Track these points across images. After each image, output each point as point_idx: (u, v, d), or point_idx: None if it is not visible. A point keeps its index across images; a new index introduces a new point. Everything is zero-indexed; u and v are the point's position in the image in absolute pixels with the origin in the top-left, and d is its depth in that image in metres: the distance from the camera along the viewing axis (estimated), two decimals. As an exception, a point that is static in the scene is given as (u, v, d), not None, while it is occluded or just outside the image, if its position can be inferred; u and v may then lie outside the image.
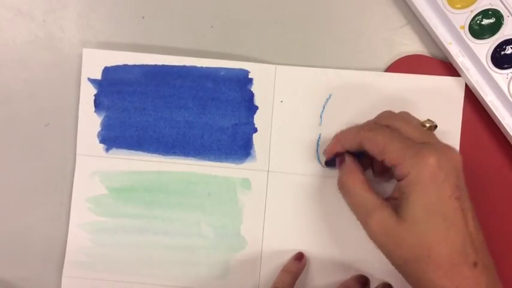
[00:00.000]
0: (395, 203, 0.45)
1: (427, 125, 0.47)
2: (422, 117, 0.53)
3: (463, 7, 0.52)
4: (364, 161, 0.50)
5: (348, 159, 0.49)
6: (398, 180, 0.44)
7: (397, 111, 0.51)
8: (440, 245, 0.42)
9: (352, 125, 0.50)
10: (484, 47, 0.52)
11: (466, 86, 0.54)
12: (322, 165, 0.55)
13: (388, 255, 0.45)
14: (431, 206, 0.42)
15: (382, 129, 0.46)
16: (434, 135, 0.47)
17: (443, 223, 0.42)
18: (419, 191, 0.42)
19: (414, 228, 0.42)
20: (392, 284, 0.53)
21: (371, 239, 0.45)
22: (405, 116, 0.48)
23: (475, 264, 0.41)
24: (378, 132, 0.46)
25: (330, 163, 0.54)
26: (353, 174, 0.48)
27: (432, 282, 0.42)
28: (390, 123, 0.46)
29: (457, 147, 0.54)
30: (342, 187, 0.48)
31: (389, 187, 0.53)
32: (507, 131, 0.52)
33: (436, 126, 0.48)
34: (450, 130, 0.54)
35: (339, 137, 0.50)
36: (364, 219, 0.46)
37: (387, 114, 0.49)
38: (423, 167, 0.42)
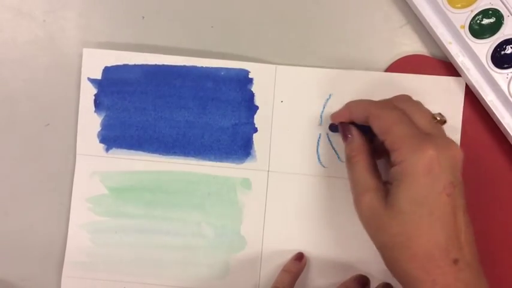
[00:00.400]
0: (388, 188, 0.45)
1: (438, 118, 0.47)
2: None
3: (463, 7, 0.52)
4: (369, 137, 0.50)
5: (356, 134, 0.49)
6: (393, 166, 0.44)
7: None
8: (421, 238, 0.42)
9: (365, 99, 0.50)
10: (484, 47, 0.51)
11: (466, 85, 0.54)
12: (327, 131, 0.55)
13: (372, 238, 0.45)
14: (420, 199, 0.42)
15: (393, 110, 0.46)
16: (442, 129, 0.47)
17: (428, 217, 0.42)
18: (410, 181, 0.42)
19: (398, 217, 0.43)
20: (393, 284, 0.53)
21: (359, 217, 0.46)
22: (419, 104, 0.48)
23: (456, 261, 0.41)
24: (388, 112, 0.46)
25: (334, 128, 0.55)
26: (359, 151, 0.48)
27: (407, 272, 0.42)
28: (404, 106, 0.46)
29: (458, 139, 0.54)
30: (347, 161, 0.49)
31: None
32: (507, 130, 0.52)
33: (445, 121, 0.48)
34: (451, 130, 0.53)
35: (350, 105, 0.51)
36: (356, 198, 0.47)
37: (404, 98, 0.48)
38: (420, 157, 0.42)
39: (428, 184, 0.42)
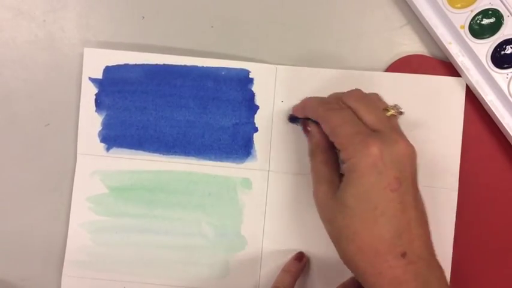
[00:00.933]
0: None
1: (391, 111, 0.47)
2: (421, 117, 0.53)
3: (463, 7, 0.52)
4: None
5: (314, 129, 0.51)
6: (343, 163, 0.45)
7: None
8: (365, 232, 0.43)
9: (318, 96, 0.52)
10: (484, 47, 0.52)
11: (466, 86, 0.54)
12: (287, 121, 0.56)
13: (325, 228, 0.47)
14: (363, 194, 0.43)
15: (339, 110, 0.47)
16: (394, 122, 0.47)
17: (372, 212, 0.43)
18: (355, 178, 0.43)
19: (344, 211, 0.44)
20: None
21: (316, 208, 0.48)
22: (371, 98, 0.48)
23: (404, 255, 0.42)
24: (334, 113, 0.47)
25: (292, 120, 0.55)
26: (317, 145, 0.50)
27: (355, 264, 0.44)
28: (352, 104, 0.47)
29: (459, 146, 0.54)
30: (309, 155, 0.52)
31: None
32: (507, 130, 0.52)
33: (401, 113, 0.48)
34: (451, 130, 0.54)
35: (304, 103, 0.52)
36: (313, 190, 0.49)
37: (354, 93, 0.49)
38: (364, 155, 0.43)
39: (372, 180, 0.43)
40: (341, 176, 0.47)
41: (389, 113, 0.47)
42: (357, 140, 0.43)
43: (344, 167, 0.45)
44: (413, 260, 0.42)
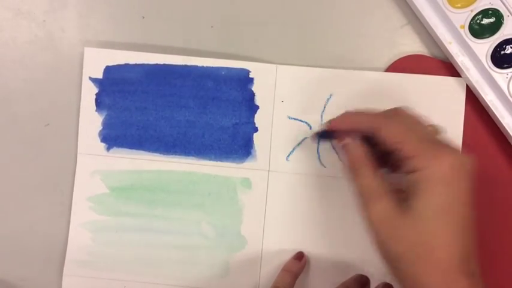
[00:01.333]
0: (401, 196, 0.42)
1: (434, 128, 0.46)
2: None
3: (463, 6, 0.52)
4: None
5: (353, 143, 0.47)
6: (409, 173, 0.42)
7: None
8: (444, 248, 0.40)
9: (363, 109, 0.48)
10: (484, 47, 0.52)
11: (467, 85, 0.54)
12: (312, 139, 0.55)
13: (383, 248, 0.43)
14: (444, 206, 0.40)
15: (400, 119, 0.45)
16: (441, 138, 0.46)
17: (452, 226, 0.40)
18: (434, 188, 0.41)
19: (420, 225, 0.40)
20: (393, 283, 0.53)
21: (368, 227, 0.44)
22: (416, 116, 0.46)
23: (474, 274, 0.40)
24: (397, 120, 0.45)
25: (324, 136, 0.52)
26: (365, 158, 0.46)
27: (424, 285, 0.40)
28: (405, 116, 0.45)
29: (459, 146, 0.54)
30: (352, 168, 0.46)
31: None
32: (507, 130, 0.52)
33: (440, 132, 0.47)
34: (452, 130, 0.54)
35: (351, 115, 0.48)
36: (366, 206, 0.44)
37: (401, 110, 0.47)
38: (441, 164, 0.41)
39: (453, 192, 0.40)
40: (398, 191, 0.44)
41: (434, 129, 0.46)
42: (430, 148, 0.42)
43: (413, 177, 0.42)
44: (478, 281, 0.40)
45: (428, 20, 0.53)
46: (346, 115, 0.49)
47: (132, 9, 0.58)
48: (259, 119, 0.56)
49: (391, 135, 0.43)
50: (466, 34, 0.52)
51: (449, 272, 0.40)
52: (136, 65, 0.56)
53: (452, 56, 0.53)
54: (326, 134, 0.51)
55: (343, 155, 0.48)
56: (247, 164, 0.56)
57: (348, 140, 0.47)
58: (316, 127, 0.55)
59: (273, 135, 0.56)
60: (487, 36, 0.52)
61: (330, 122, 0.50)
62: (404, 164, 0.42)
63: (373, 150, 0.46)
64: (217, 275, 0.56)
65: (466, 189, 0.41)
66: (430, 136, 0.44)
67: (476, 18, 0.52)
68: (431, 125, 0.46)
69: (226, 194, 0.56)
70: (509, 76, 0.51)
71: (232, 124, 0.56)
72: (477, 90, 0.53)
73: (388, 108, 0.47)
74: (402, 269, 0.41)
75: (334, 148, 0.55)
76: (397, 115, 0.46)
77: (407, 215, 0.41)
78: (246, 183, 0.56)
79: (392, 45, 0.56)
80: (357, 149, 0.46)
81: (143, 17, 0.57)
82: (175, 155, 0.56)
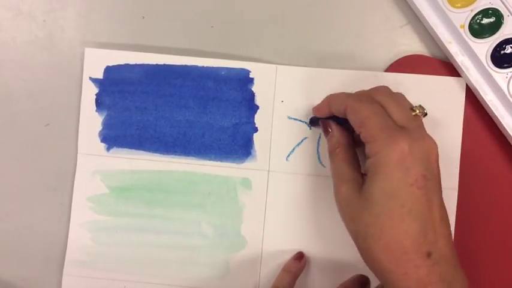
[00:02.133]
0: (364, 179, 0.45)
1: (417, 111, 0.47)
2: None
3: (463, 6, 0.52)
4: (350, 129, 0.50)
5: (335, 128, 0.50)
6: (368, 158, 0.44)
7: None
8: (393, 229, 0.42)
9: (344, 92, 0.51)
10: (484, 46, 0.52)
11: (466, 85, 0.54)
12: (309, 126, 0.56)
13: (347, 227, 0.46)
14: (391, 190, 0.42)
15: (369, 102, 0.46)
16: (419, 122, 0.47)
17: (399, 209, 0.42)
18: (382, 173, 0.43)
19: (371, 208, 0.43)
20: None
21: (337, 208, 0.47)
22: (398, 97, 0.48)
23: (429, 254, 0.42)
24: (364, 104, 0.46)
25: (314, 122, 0.55)
26: (338, 144, 0.49)
27: (379, 263, 0.43)
28: (381, 99, 0.47)
29: (459, 146, 0.54)
30: (329, 154, 0.50)
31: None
32: (506, 130, 0.52)
33: (425, 114, 0.48)
34: (452, 130, 0.54)
35: (329, 99, 0.51)
36: (335, 188, 0.48)
37: (382, 89, 0.49)
38: (392, 150, 0.42)
39: (400, 176, 0.42)
40: (363, 175, 0.47)
41: (414, 113, 0.47)
42: (386, 134, 0.43)
43: (369, 162, 0.44)
44: (438, 261, 0.42)
45: (428, 19, 0.53)
46: (326, 100, 0.51)
47: (132, 9, 0.58)
48: (259, 119, 0.56)
49: (355, 119, 0.46)
50: (466, 34, 0.52)
51: (401, 251, 0.42)
52: (136, 65, 0.56)
53: (452, 56, 0.53)
54: (313, 122, 0.55)
55: (327, 142, 0.51)
56: (247, 164, 0.56)
57: (330, 128, 0.51)
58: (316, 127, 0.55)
59: (273, 135, 0.56)
60: (487, 36, 0.52)
61: (312, 109, 0.53)
62: (365, 148, 0.45)
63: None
64: (217, 275, 0.56)
65: (416, 173, 0.42)
66: (391, 124, 0.44)
67: (476, 18, 0.52)
68: (415, 107, 0.47)
69: (226, 194, 0.56)
70: (509, 76, 0.51)
71: (232, 124, 0.56)
72: (477, 90, 0.53)
73: (376, 86, 0.50)
74: (361, 247, 0.45)
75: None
76: (372, 96, 0.47)
77: (362, 198, 0.44)
78: (246, 183, 0.56)
79: (392, 45, 0.56)
80: (335, 133, 0.50)
81: (143, 17, 0.57)
82: (175, 155, 0.56)
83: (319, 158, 0.55)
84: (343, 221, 0.47)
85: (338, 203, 0.47)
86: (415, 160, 0.42)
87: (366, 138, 0.44)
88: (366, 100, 0.47)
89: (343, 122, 0.49)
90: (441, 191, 0.44)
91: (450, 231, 0.44)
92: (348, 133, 0.50)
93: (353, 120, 0.46)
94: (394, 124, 0.44)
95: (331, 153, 0.50)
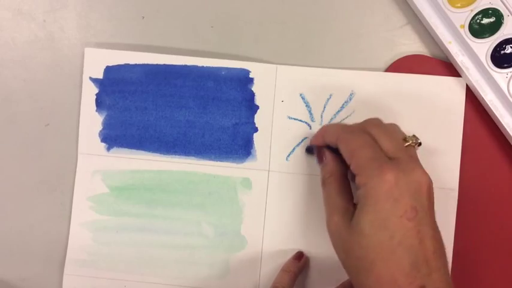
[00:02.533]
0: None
1: (409, 141, 0.47)
2: (421, 117, 0.53)
3: (463, 6, 0.52)
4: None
5: (329, 157, 0.50)
6: (358, 189, 0.44)
7: (397, 111, 0.51)
8: (383, 262, 0.41)
9: (339, 123, 0.52)
10: (484, 46, 0.52)
11: (467, 85, 0.54)
12: (305, 154, 0.56)
13: (339, 259, 0.46)
14: (380, 222, 0.42)
15: (360, 134, 0.46)
16: (412, 152, 0.46)
17: (389, 241, 0.41)
18: (371, 205, 0.42)
19: (360, 240, 0.42)
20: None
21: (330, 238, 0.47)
22: (390, 128, 0.48)
23: (423, 286, 0.40)
24: (354, 136, 0.46)
25: (310, 151, 0.55)
26: (331, 174, 0.49)
27: None
28: (372, 130, 0.46)
29: (459, 146, 0.54)
30: (322, 184, 0.50)
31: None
32: (507, 130, 0.52)
33: (419, 144, 0.47)
34: (452, 130, 0.54)
35: (324, 129, 0.52)
36: (327, 219, 0.47)
37: (374, 121, 0.48)
38: (380, 181, 0.42)
39: (389, 208, 0.42)
40: (355, 206, 0.46)
41: (407, 144, 0.46)
42: (374, 166, 0.43)
43: (359, 193, 0.44)
44: None
45: (428, 19, 0.53)
46: (321, 130, 0.52)
47: (132, 9, 0.58)
48: (259, 119, 0.56)
49: (345, 150, 0.46)
50: (466, 34, 0.52)
51: (393, 285, 0.41)
52: (136, 65, 0.56)
53: (452, 56, 0.53)
54: (310, 149, 0.55)
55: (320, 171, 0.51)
56: (247, 164, 0.56)
57: (324, 157, 0.51)
58: (316, 127, 0.55)
59: (273, 135, 0.56)
60: (487, 35, 0.52)
61: (311, 139, 0.54)
62: (355, 180, 0.44)
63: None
64: (217, 275, 0.56)
65: (405, 205, 0.42)
66: (379, 156, 0.44)
67: (476, 17, 0.52)
68: (408, 137, 0.47)
69: (226, 194, 0.56)
70: (509, 76, 0.51)
71: (232, 124, 0.56)
72: (477, 90, 0.53)
73: (368, 118, 0.49)
74: (354, 280, 0.44)
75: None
76: (364, 128, 0.47)
77: (352, 230, 0.43)
78: (246, 183, 0.56)
79: (392, 45, 0.56)
80: (329, 162, 0.50)
81: (143, 17, 0.57)
82: (175, 155, 0.56)
83: (319, 158, 0.55)
84: (335, 252, 0.46)
85: (330, 233, 0.46)
86: (403, 192, 0.42)
87: (355, 170, 0.44)
88: (357, 132, 0.47)
89: (339, 153, 0.49)
90: (434, 222, 0.43)
91: (445, 263, 0.43)
92: (342, 163, 0.49)
93: (344, 151, 0.46)
94: (384, 155, 0.44)
95: (324, 182, 0.50)
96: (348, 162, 0.45)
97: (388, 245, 0.41)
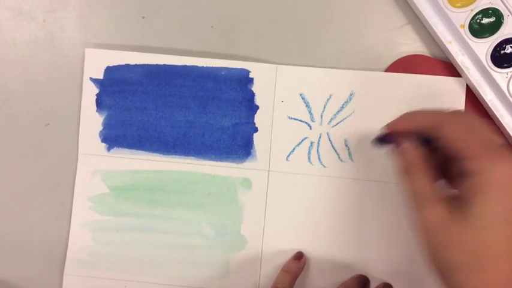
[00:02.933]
0: (456, 204, 0.39)
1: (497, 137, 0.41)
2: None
3: (463, 6, 0.52)
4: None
5: (408, 144, 0.44)
6: (467, 177, 0.39)
7: (397, 111, 0.51)
8: (503, 259, 0.37)
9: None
10: (484, 46, 0.52)
11: (467, 85, 0.54)
12: (372, 144, 0.50)
13: (435, 256, 0.40)
14: (503, 214, 0.37)
15: (468, 116, 0.43)
16: None
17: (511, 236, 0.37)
18: (495, 193, 0.37)
19: (476, 234, 0.37)
20: (393, 284, 0.53)
21: (420, 233, 0.41)
22: (479, 120, 0.42)
23: None
24: (462, 117, 0.42)
25: (382, 140, 0.48)
26: (420, 160, 0.43)
27: None
28: (465, 119, 0.43)
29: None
30: (405, 171, 0.43)
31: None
32: (507, 130, 0.52)
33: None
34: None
35: (409, 114, 0.45)
36: (418, 210, 0.41)
37: (462, 112, 0.46)
38: (502, 168, 0.37)
39: (511, 199, 0.37)
40: (453, 197, 0.41)
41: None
42: (491, 151, 0.38)
43: (473, 181, 0.38)
44: None
45: (428, 19, 0.53)
46: (405, 115, 0.46)
47: (132, 9, 0.58)
48: (259, 119, 0.56)
49: (453, 133, 0.41)
50: (466, 34, 0.52)
51: (508, 284, 0.37)
52: (136, 65, 0.56)
53: (452, 56, 0.53)
54: (385, 138, 0.48)
55: (397, 159, 0.45)
56: (247, 164, 0.56)
57: (405, 144, 0.44)
58: (316, 127, 0.55)
59: (273, 135, 0.55)
60: (487, 35, 0.52)
61: (387, 125, 0.47)
62: (462, 166, 0.39)
63: (431, 157, 0.44)
64: (217, 275, 0.56)
65: None
66: (493, 141, 0.40)
67: (476, 17, 0.52)
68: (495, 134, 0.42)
69: (226, 194, 0.56)
70: (509, 76, 0.51)
71: (232, 124, 0.56)
72: (477, 90, 0.52)
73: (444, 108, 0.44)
74: (456, 279, 0.38)
75: (334, 149, 0.55)
76: (460, 115, 0.44)
77: (463, 222, 0.38)
78: (246, 183, 0.56)
79: (392, 45, 0.56)
80: (413, 151, 0.44)
81: (143, 17, 0.57)
82: (175, 155, 0.56)
83: (319, 158, 0.55)
84: (429, 249, 0.40)
85: (425, 228, 0.40)
86: None
87: (466, 153, 0.39)
88: (460, 113, 0.43)
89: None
90: None
91: None
92: (425, 150, 0.44)
93: (450, 135, 0.41)
94: (497, 141, 0.40)
95: (408, 172, 0.43)
96: (454, 145, 0.40)
97: (510, 239, 0.37)
